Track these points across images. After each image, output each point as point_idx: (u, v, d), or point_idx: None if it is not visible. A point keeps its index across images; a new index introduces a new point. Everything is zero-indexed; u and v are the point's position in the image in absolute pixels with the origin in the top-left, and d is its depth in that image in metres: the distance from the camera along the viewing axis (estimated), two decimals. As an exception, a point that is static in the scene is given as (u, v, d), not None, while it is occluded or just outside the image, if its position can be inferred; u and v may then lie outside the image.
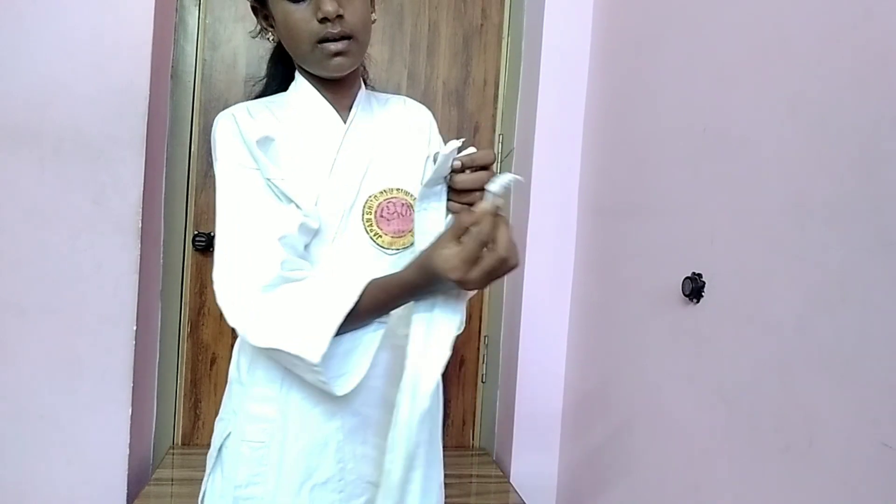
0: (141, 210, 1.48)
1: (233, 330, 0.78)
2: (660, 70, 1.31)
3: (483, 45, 1.87)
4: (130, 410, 1.49)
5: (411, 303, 0.72)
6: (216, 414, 0.91)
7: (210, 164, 0.81)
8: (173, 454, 1.68)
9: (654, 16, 1.36)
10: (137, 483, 1.53)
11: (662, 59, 1.31)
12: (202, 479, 0.88)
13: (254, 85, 0.97)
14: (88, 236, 1.46)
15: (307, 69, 0.86)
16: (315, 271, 0.80)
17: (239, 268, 0.75)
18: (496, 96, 1.89)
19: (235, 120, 0.81)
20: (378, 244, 0.83)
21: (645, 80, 1.38)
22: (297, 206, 0.79)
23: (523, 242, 1.69)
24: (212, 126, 0.83)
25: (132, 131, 1.46)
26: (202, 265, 1.73)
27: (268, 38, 0.91)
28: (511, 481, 1.66)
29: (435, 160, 0.69)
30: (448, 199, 0.72)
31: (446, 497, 0.91)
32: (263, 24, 0.88)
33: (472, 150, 0.71)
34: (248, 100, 0.89)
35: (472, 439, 1.92)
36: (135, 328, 1.49)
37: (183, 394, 1.75)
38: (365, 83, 0.95)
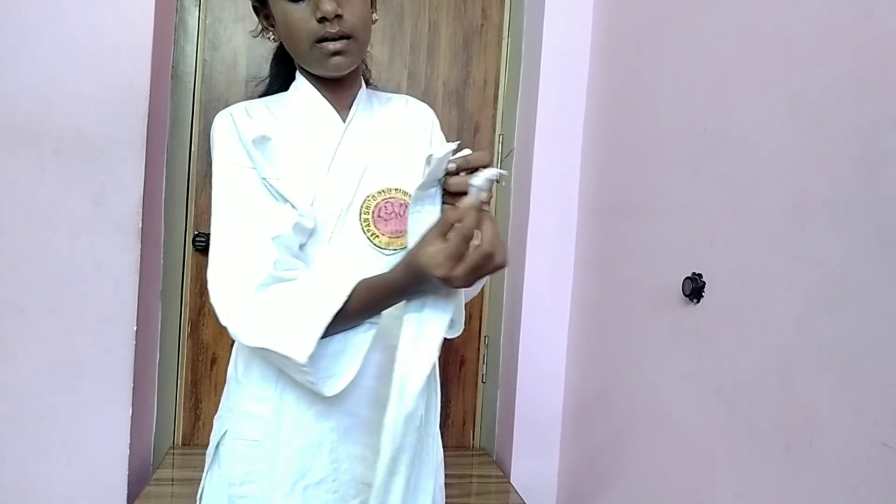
0: (141, 210, 1.48)
1: (229, 329, 0.78)
2: (660, 70, 1.31)
3: (483, 46, 1.87)
4: (131, 410, 1.49)
5: (404, 303, 0.72)
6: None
7: (210, 165, 0.81)
8: (173, 454, 1.68)
9: (654, 16, 1.36)
10: (138, 483, 1.53)
11: (662, 59, 1.31)
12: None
13: (256, 85, 0.97)
14: (88, 236, 1.46)
15: (307, 68, 0.86)
16: (310, 271, 0.80)
17: (232, 267, 0.75)
18: (496, 96, 1.89)
19: (233, 119, 0.81)
20: (375, 244, 0.83)
21: (645, 80, 1.38)
22: (293, 206, 0.79)
23: (523, 242, 1.69)
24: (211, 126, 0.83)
25: (132, 131, 1.46)
26: (202, 265, 1.73)
27: (269, 38, 0.90)
28: (511, 481, 1.66)
29: (429, 163, 0.69)
30: (443, 202, 0.72)
31: (447, 497, 0.91)
32: (264, 23, 0.88)
33: (466, 151, 0.71)
34: (249, 99, 0.89)
35: (473, 439, 1.92)
36: (135, 328, 1.49)
37: (183, 394, 1.76)
38: (367, 82, 0.95)
